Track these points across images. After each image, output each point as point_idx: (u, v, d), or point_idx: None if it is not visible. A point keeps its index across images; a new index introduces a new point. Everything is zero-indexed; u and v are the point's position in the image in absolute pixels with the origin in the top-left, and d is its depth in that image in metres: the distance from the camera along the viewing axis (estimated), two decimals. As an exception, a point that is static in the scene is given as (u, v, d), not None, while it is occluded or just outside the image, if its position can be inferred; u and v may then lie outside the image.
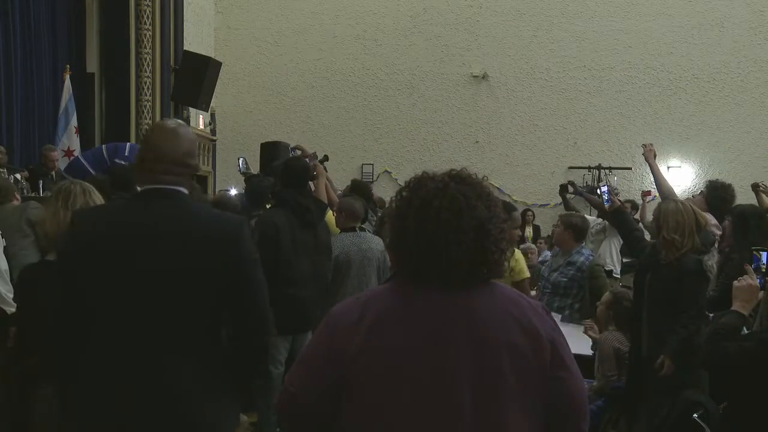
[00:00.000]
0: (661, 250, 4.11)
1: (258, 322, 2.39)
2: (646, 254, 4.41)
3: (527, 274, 5.36)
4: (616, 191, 10.99)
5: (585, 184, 12.35)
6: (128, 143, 7.63)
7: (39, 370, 2.87)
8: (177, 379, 2.26)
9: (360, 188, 6.44)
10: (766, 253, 3.06)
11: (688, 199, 5.80)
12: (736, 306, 2.78)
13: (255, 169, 8.35)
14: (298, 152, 6.47)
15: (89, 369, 2.28)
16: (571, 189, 8.24)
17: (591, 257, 5.80)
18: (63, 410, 2.38)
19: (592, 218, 7.71)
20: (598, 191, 5.19)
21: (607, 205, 5.00)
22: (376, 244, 5.16)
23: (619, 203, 5.10)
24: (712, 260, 5.15)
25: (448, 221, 1.70)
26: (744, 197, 6.52)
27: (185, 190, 2.40)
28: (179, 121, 2.57)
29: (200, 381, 2.28)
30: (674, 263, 4.03)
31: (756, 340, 2.79)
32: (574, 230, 5.70)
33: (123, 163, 7.06)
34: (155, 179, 2.36)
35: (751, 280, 2.82)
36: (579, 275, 5.59)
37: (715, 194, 5.62)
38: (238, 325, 2.38)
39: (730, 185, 5.75)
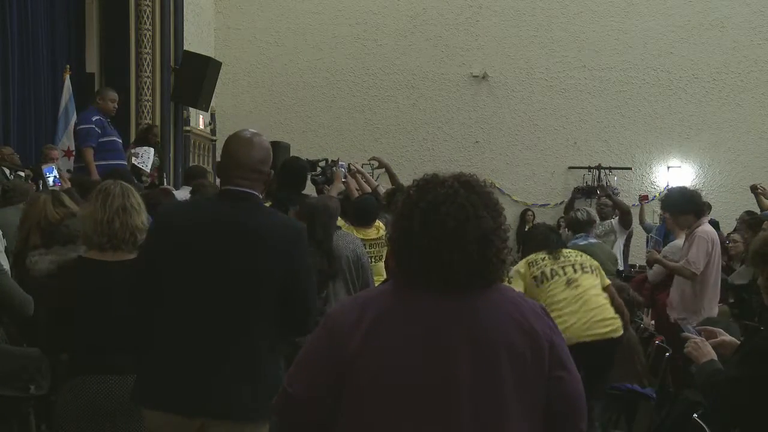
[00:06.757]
0: None
1: (304, 316, 2.70)
2: None
3: None
4: (616, 191, 11.03)
5: (585, 185, 12.37)
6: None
7: (69, 365, 3.03)
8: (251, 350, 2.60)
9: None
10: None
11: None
12: (702, 361, 2.73)
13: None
14: (375, 164, 6.92)
15: (168, 345, 2.60)
16: (600, 192, 8.07)
17: None
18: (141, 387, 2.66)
19: None
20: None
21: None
22: (346, 242, 4.86)
23: None
24: None
25: (454, 229, 1.71)
26: (744, 197, 6.54)
27: (258, 194, 2.74)
28: (254, 131, 2.83)
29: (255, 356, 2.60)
30: None
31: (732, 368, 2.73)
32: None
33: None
34: (232, 183, 2.69)
35: (694, 339, 2.81)
36: None
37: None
38: (287, 317, 2.67)
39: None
